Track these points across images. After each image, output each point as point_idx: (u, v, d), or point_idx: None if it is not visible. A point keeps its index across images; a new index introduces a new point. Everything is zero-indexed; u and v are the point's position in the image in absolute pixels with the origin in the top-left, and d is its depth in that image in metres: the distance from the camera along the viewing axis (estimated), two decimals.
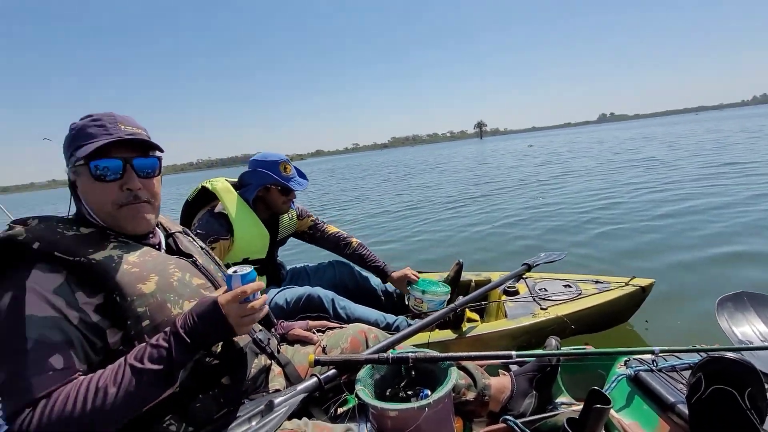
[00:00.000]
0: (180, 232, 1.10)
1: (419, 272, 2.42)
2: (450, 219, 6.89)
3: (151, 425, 0.82)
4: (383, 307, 2.07)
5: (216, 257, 1.19)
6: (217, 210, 1.77)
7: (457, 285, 2.03)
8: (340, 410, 1.16)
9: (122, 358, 0.76)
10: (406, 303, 1.99)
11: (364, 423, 1.02)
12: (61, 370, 0.72)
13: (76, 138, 0.87)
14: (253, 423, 0.88)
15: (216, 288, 1.00)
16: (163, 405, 0.81)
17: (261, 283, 0.89)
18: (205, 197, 1.87)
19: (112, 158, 0.85)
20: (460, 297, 1.71)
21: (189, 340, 0.78)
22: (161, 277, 0.87)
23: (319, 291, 1.83)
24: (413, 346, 1.48)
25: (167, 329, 0.80)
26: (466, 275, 2.33)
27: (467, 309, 1.82)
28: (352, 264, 2.16)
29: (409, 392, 1.08)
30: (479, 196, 8.88)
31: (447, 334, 1.78)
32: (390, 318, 1.88)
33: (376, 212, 8.63)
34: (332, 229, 2.20)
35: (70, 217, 0.92)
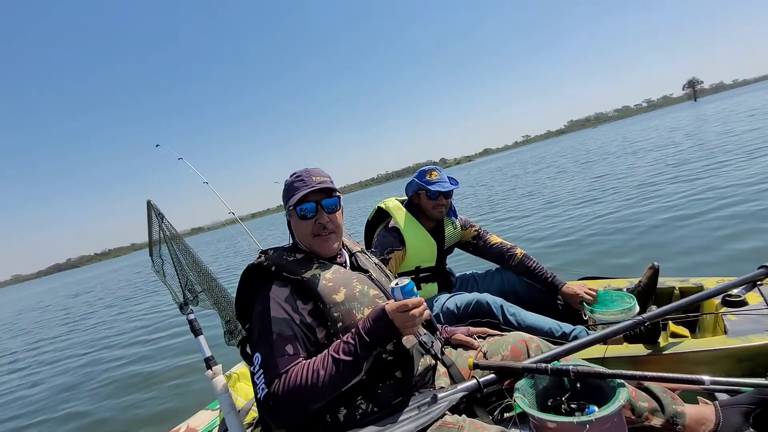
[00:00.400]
0: (360, 252, 1.38)
1: (601, 278, 2.15)
2: (640, 209, 5.66)
3: (349, 402, 1.07)
4: (560, 315, 1.88)
5: (387, 270, 1.41)
6: (390, 225, 2.04)
7: (652, 294, 1.72)
8: (506, 414, 1.20)
9: (327, 350, 1.04)
10: (584, 317, 1.80)
11: (524, 431, 1.04)
12: (292, 355, 1.04)
13: (287, 191, 1.25)
14: (421, 411, 1.03)
15: (387, 297, 1.22)
16: (357, 388, 1.05)
17: (420, 299, 1.04)
18: (381, 215, 2.17)
19: (309, 202, 1.19)
20: (653, 307, 1.43)
21: (368, 339, 1.01)
22: (347, 289, 1.14)
23: (487, 297, 1.84)
24: (586, 359, 1.36)
25: (353, 330, 1.05)
26: (665, 281, 1.91)
27: (671, 322, 1.51)
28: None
29: (573, 405, 1.03)
30: (686, 177, 7.00)
31: (638, 349, 1.49)
32: (566, 327, 1.73)
33: (549, 208, 7.88)
34: (496, 239, 2.16)
35: (289, 245, 1.30)
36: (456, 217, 2.16)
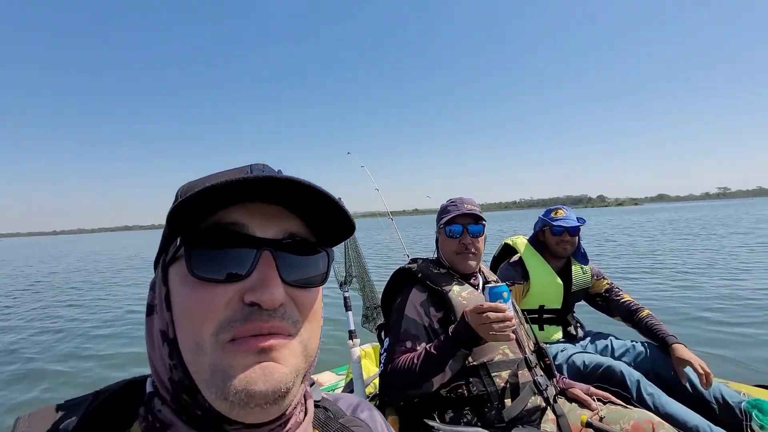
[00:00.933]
0: (495, 281, 1.49)
1: None
2: None
3: (457, 409, 1.20)
4: (713, 418, 1.54)
5: (517, 306, 1.47)
6: (513, 260, 2.09)
7: None
8: None
9: (425, 346, 1.20)
10: (744, 427, 1.47)
11: None
12: (409, 348, 1.24)
13: (441, 213, 1.45)
14: None
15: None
16: (467, 400, 1.18)
17: (502, 306, 1.08)
18: (507, 251, 2.22)
19: (457, 224, 1.38)
20: None
21: (450, 336, 1.13)
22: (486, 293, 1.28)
23: (623, 367, 1.66)
24: None
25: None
26: None
27: None
28: None
29: None
30: None
31: None
32: (718, 431, 1.39)
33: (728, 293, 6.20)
34: (627, 297, 2.05)
35: (433, 258, 1.50)
36: (587, 263, 2.12)
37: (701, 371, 1.57)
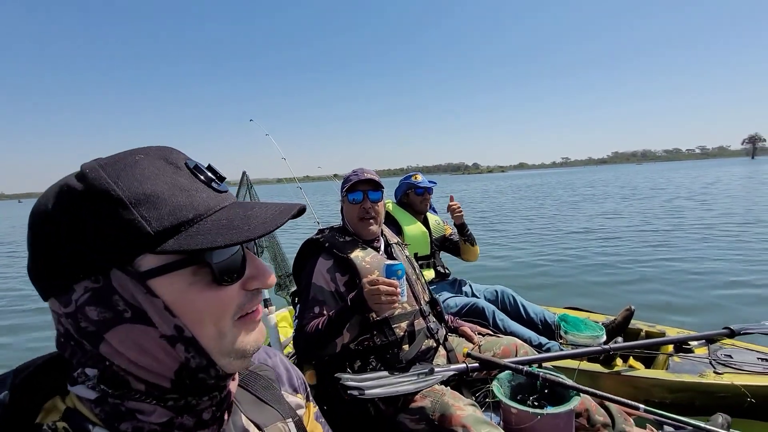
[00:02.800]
0: (395, 243, 1.61)
1: (584, 310, 2.48)
2: (643, 253, 5.79)
3: (363, 358, 1.32)
4: (539, 332, 2.20)
5: (415, 264, 1.65)
6: (389, 220, 2.35)
7: (622, 332, 1.95)
8: (487, 399, 1.44)
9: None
10: (559, 338, 2.09)
11: (494, 412, 1.27)
12: (317, 314, 1.31)
13: (344, 182, 1.51)
14: (419, 378, 1.28)
15: (409, 285, 1.45)
16: (372, 350, 1.31)
17: (393, 282, 1.17)
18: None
19: (358, 191, 1.45)
20: (619, 339, 1.71)
21: (347, 304, 1.22)
22: (380, 273, 1.39)
23: (483, 303, 2.18)
24: (558, 367, 1.60)
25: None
26: (636, 323, 2.21)
27: (632, 356, 1.74)
28: (517, 295, 2.37)
29: (536, 403, 1.26)
30: (728, 230, 6.80)
31: (596, 367, 1.81)
32: (543, 340, 2.04)
33: (562, 234, 7.84)
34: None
35: (339, 226, 1.55)
36: (436, 214, 2.57)
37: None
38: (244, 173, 1.77)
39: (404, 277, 1.22)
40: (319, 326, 1.25)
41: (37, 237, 0.35)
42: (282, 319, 1.94)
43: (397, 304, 1.22)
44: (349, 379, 1.20)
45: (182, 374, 0.38)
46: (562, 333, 2.08)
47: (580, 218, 10.38)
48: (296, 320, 1.36)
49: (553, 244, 7.23)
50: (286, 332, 1.95)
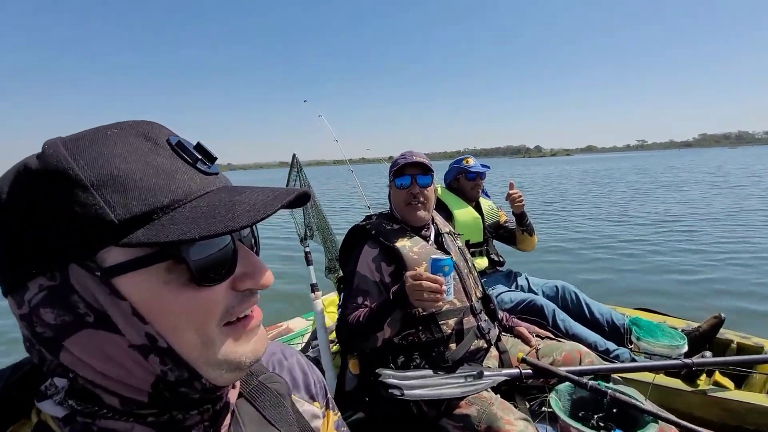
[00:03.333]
0: (447, 233, 1.49)
1: (659, 313, 2.14)
2: (733, 249, 5.01)
3: (407, 353, 1.25)
4: (606, 336, 1.94)
5: (468, 255, 1.51)
6: (439, 206, 2.19)
7: (709, 342, 1.66)
8: (543, 408, 1.30)
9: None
10: (629, 344, 1.82)
11: (549, 424, 1.13)
12: (360, 304, 1.25)
13: (392, 166, 1.41)
14: (466, 381, 1.18)
15: (460, 278, 1.34)
16: (416, 346, 1.23)
17: (438, 278, 1.06)
18: None
19: (406, 176, 1.35)
20: (707, 353, 1.44)
21: (390, 297, 1.13)
22: (427, 265, 1.28)
23: (542, 300, 1.94)
24: (629, 378, 1.39)
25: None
26: (726, 333, 1.86)
27: (718, 372, 1.47)
28: (580, 291, 2.11)
29: (601, 424, 1.10)
30: None
31: (675, 383, 1.55)
32: (611, 345, 1.78)
33: (634, 224, 7.00)
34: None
35: (387, 213, 1.46)
36: (489, 199, 2.36)
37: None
38: (294, 155, 1.74)
39: (452, 274, 1.11)
40: (361, 318, 1.20)
41: None
42: (330, 303, 1.94)
43: (441, 303, 1.11)
44: (390, 376, 1.13)
45: (160, 387, 0.32)
46: (633, 338, 1.81)
47: (657, 207, 9.26)
48: (340, 308, 1.31)
49: (623, 235, 6.53)
50: (334, 317, 1.95)
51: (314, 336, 1.88)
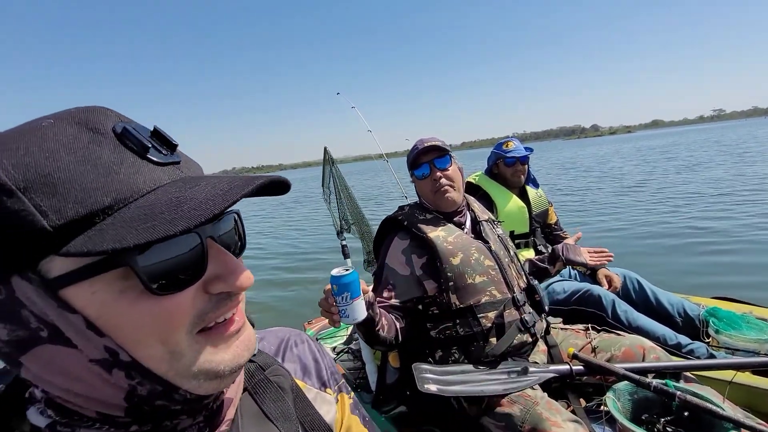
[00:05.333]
0: (486, 221, 1.39)
1: (743, 302, 1.83)
2: None
3: (445, 348, 1.19)
4: (677, 329, 1.69)
5: (509, 244, 1.40)
6: (480, 195, 2.03)
7: None
8: (602, 408, 1.17)
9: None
10: (705, 337, 1.58)
11: (608, 424, 1.01)
12: (385, 298, 1.19)
13: (408, 158, 1.35)
14: (510, 377, 1.09)
15: (500, 269, 1.24)
16: (455, 339, 1.16)
17: (330, 299, 0.91)
18: (470, 188, 2.12)
19: (423, 164, 1.28)
20: None
21: None
22: (464, 255, 1.21)
23: (600, 290, 1.72)
24: (706, 377, 1.21)
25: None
26: None
27: None
28: (644, 280, 1.87)
29: (669, 429, 0.96)
30: None
31: (760, 382, 1.31)
32: (683, 339, 1.54)
33: (706, 203, 6.16)
34: (564, 234, 2.17)
35: (417, 203, 1.39)
36: (538, 187, 2.16)
37: (617, 285, 1.75)
38: (325, 149, 1.72)
39: (349, 293, 0.88)
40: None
41: None
42: None
43: (489, 296, 1.05)
44: (426, 370, 1.08)
45: (135, 401, 0.29)
46: (710, 332, 1.57)
47: (734, 183, 8.12)
48: None
49: (692, 214, 5.82)
50: None
51: (354, 331, 1.87)
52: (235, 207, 0.30)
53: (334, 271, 0.89)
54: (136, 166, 0.28)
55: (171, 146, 0.31)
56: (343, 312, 0.90)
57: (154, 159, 0.29)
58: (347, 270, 0.89)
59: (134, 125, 0.30)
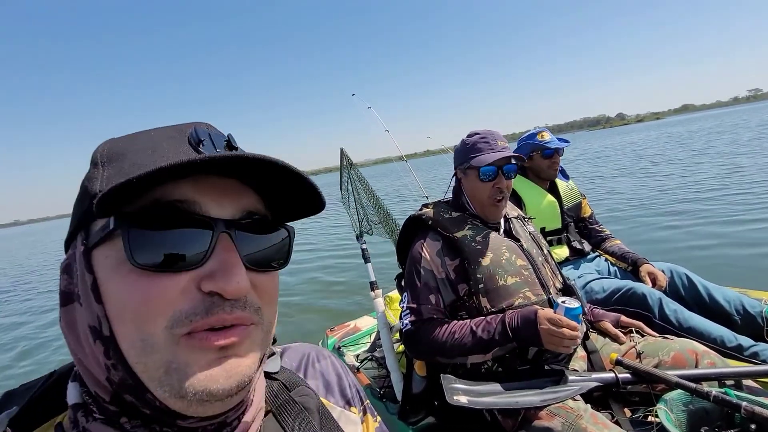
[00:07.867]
0: (515, 218, 1.31)
1: None
2: None
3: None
4: (736, 330, 1.48)
5: (542, 241, 1.31)
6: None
7: None
8: (650, 418, 1.07)
9: (469, 321, 1.08)
10: (765, 332, 1.39)
11: None
12: (434, 304, 1.13)
13: (469, 150, 1.22)
14: (547, 387, 1.00)
15: (533, 268, 1.16)
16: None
17: (577, 325, 0.98)
18: None
19: (492, 166, 1.17)
20: None
21: (510, 334, 1.01)
22: (494, 255, 1.13)
23: (644, 288, 1.54)
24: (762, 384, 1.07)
25: (501, 316, 1.04)
26: None
27: None
28: (695, 275, 1.67)
29: None
30: None
31: None
32: (744, 340, 1.35)
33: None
34: (600, 227, 2.03)
35: (448, 200, 1.32)
36: (568, 179, 2.03)
37: (663, 283, 1.61)
38: (342, 150, 1.68)
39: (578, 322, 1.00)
40: (456, 335, 1.07)
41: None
42: (391, 301, 1.86)
43: (523, 298, 1.01)
44: (454, 380, 1.01)
45: (113, 386, 0.29)
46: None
47: None
48: (407, 312, 1.18)
49: (746, 201, 5.33)
50: (397, 315, 1.86)
51: (379, 336, 1.82)
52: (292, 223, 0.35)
53: (570, 305, 0.99)
54: (186, 154, 0.30)
55: (231, 147, 0.33)
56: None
57: (201, 150, 0.31)
58: (575, 302, 1.00)
59: (209, 130, 0.33)
